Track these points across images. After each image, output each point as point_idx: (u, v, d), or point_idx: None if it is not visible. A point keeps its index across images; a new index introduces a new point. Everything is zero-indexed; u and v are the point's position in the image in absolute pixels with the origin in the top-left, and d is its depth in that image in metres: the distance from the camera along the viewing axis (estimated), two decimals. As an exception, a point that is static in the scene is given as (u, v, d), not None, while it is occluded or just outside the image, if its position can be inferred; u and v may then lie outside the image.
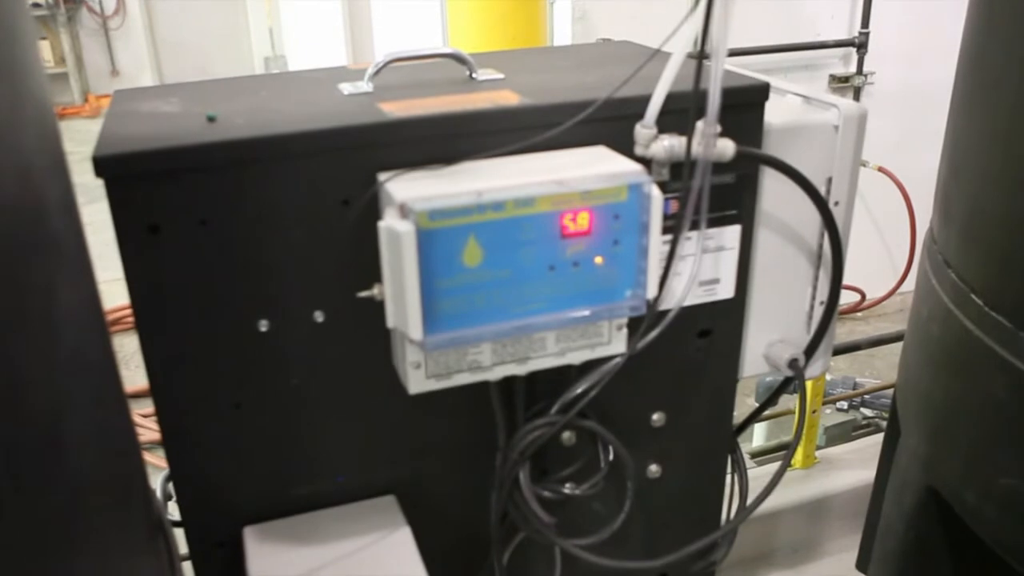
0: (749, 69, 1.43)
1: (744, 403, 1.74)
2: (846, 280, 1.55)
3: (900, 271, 4.61)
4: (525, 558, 1.55)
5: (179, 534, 1.35)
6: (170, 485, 1.38)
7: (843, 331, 4.09)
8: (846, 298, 4.58)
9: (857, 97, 4.67)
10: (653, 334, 1.35)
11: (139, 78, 9.14)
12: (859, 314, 4.61)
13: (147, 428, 2.95)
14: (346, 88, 1.37)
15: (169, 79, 8.02)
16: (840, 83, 4.75)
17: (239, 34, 8.84)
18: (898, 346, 2.31)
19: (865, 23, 4.64)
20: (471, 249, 1.14)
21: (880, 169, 4.42)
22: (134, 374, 1.28)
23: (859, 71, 4.74)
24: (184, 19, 8.93)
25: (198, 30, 8.85)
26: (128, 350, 1.27)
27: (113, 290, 1.21)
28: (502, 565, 1.52)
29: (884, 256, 4.65)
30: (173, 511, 1.38)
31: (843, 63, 4.74)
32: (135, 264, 1.18)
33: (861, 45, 4.70)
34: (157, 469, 1.39)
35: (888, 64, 4.65)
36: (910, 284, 2.49)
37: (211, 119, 1.23)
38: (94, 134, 1.18)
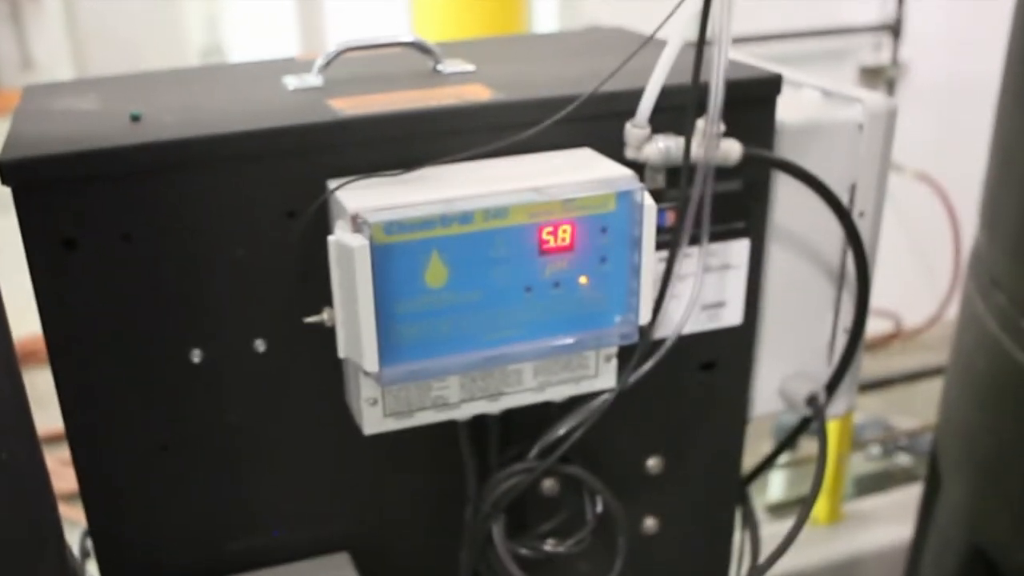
0: (761, 59, 1.44)
1: (758, 448, 1.75)
2: (879, 305, 1.56)
3: (942, 294, 4.62)
4: (500, 627, 1.56)
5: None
6: (89, 541, 1.39)
7: (876, 364, 4.08)
8: (879, 326, 4.56)
9: (891, 91, 4.66)
10: (647, 366, 1.36)
11: (56, 71, 9.11)
12: (894, 345, 4.61)
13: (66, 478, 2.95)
14: (291, 82, 1.39)
15: (92, 72, 7.99)
16: (870, 75, 4.75)
17: (173, 21, 8.82)
18: (938, 382, 2.32)
19: (900, 4, 4.64)
20: (435, 267, 1.15)
21: (919, 175, 4.43)
22: (52, 413, 1.28)
23: (893, 60, 4.74)
24: (109, 3, 8.90)
25: (125, 16, 8.82)
26: (44, 387, 1.27)
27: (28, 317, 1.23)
28: (474, 635, 1.52)
29: (924, 277, 4.64)
30: (93, 571, 1.38)
31: (874, 51, 4.73)
32: (47, 284, 1.18)
33: (895, 30, 4.70)
34: (77, 525, 1.39)
35: (927, 52, 4.65)
36: (955, 310, 2.50)
37: (135, 118, 1.23)
38: (3, 135, 1.19)
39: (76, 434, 1.27)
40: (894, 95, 4.59)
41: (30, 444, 1.12)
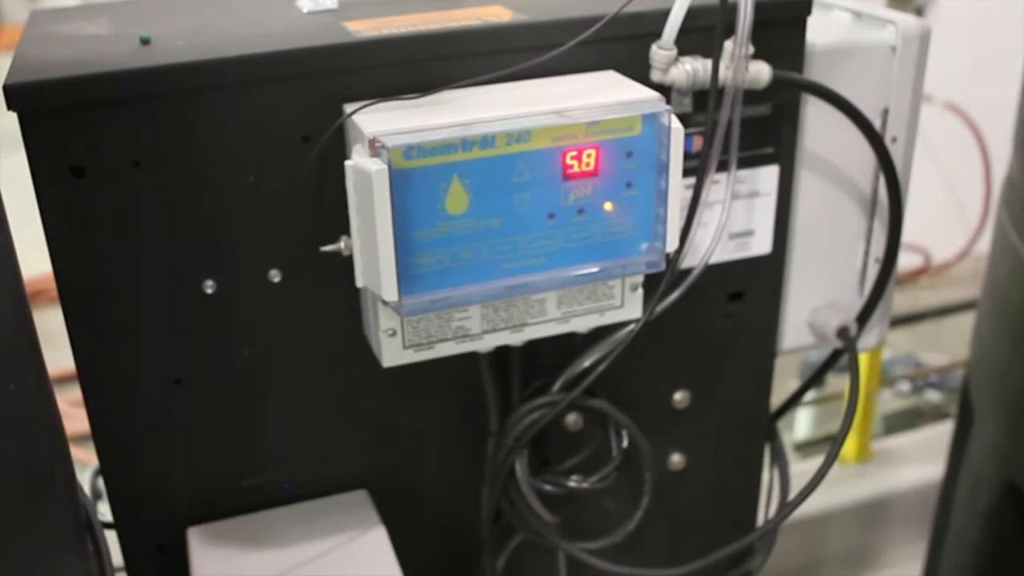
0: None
1: (785, 386, 1.74)
2: (908, 239, 1.54)
3: (972, 228, 4.59)
4: (523, 564, 1.57)
5: (112, 537, 1.35)
6: (100, 480, 1.38)
7: (905, 300, 4.07)
8: (908, 260, 4.54)
9: (920, 17, 4.59)
10: (674, 296, 1.36)
11: (63, 1, 9.08)
12: (923, 280, 4.60)
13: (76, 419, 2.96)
14: (305, 5, 1.37)
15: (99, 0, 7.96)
16: (899, 1, 4.70)
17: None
18: (970, 317, 2.32)
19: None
20: (455, 193, 1.14)
21: (949, 106, 4.39)
22: (61, 353, 1.28)
23: (923, -14, 4.70)
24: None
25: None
26: (53, 326, 1.27)
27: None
28: (496, 572, 1.53)
29: (953, 210, 4.60)
30: (105, 511, 1.38)
31: (903, -24, 4.69)
32: (55, 214, 1.18)
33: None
34: (87, 465, 1.39)
35: (958, -21, 4.62)
36: (985, 244, 2.48)
37: (145, 41, 1.22)
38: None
39: (87, 369, 1.27)
40: (923, 23, 4.52)
41: (39, 377, 1.12)
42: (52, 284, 1.20)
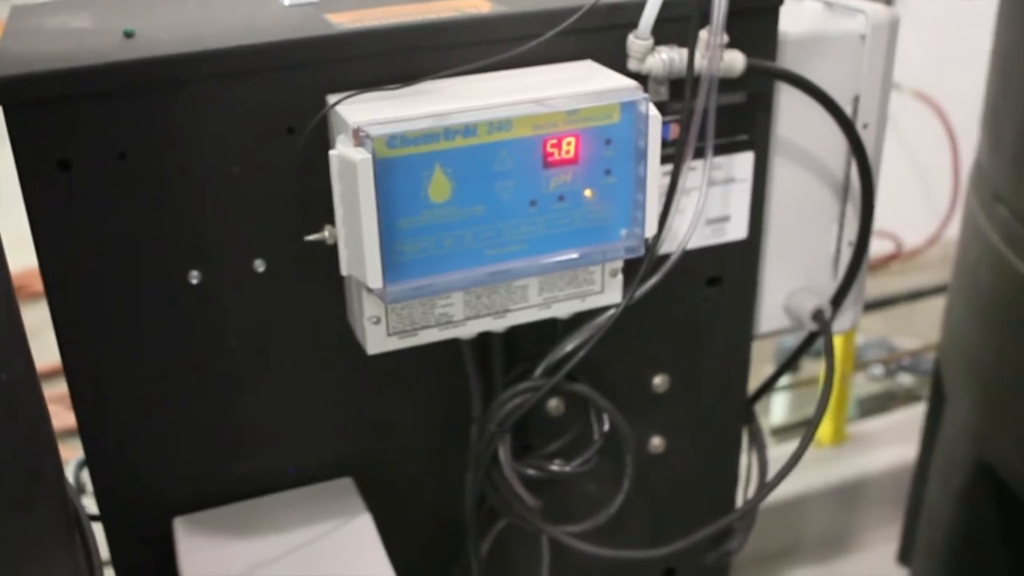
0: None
1: (761, 372, 1.75)
2: (879, 226, 1.56)
3: (941, 214, 4.60)
4: (507, 548, 1.57)
5: (98, 530, 1.35)
6: (84, 472, 1.38)
7: (877, 285, 4.08)
8: (880, 246, 4.54)
9: (889, 4, 4.59)
10: (653, 281, 1.36)
11: None
12: (895, 266, 4.60)
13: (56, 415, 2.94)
14: (286, -2, 1.38)
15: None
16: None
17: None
18: (941, 301, 2.33)
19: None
20: (438, 181, 1.15)
21: (918, 94, 4.40)
22: (41, 351, 1.28)
23: (891, -22, 4.69)
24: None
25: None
26: (33, 322, 1.27)
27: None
28: (480, 557, 1.53)
29: (923, 197, 4.60)
30: (91, 505, 1.37)
31: (872, -34, 4.67)
32: (42, 207, 1.18)
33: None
34: (67, 461, 1.39)
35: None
36: (954, 230, 2.49)
37: (128, 35, 1.23)
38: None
39: (72, 361, 1.27)
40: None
41: (27, 368, 1.12)
42: (33, 280, 1.20)
